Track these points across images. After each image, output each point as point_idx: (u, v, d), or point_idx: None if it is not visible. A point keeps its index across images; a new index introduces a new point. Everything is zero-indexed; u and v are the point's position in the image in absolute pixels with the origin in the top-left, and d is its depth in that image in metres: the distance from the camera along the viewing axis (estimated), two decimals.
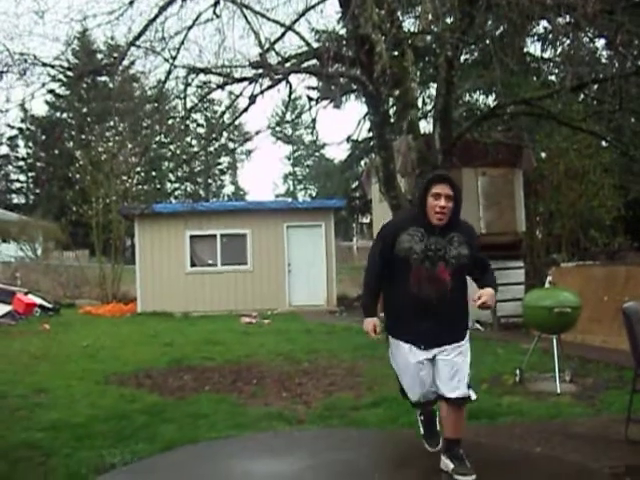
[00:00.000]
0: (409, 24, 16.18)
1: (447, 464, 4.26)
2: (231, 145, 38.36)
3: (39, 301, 17.94)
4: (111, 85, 15.75)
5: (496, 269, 13.88)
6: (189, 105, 12.30)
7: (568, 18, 10.03)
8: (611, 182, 16.25)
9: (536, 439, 5.19)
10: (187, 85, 11.41)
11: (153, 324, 15.34)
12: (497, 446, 5.09)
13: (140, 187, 30.41)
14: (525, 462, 4.71)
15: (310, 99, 12.44)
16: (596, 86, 12.77)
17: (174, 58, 11.11)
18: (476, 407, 5.92)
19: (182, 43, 11.11)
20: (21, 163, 52.68)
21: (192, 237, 19.00)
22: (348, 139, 24.16)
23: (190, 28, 11.11)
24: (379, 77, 10.96)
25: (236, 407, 6.75)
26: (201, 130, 44.37)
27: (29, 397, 7.40)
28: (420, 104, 19.09)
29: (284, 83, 11.28)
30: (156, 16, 10.92)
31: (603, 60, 14.12)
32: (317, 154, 58.57)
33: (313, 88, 13.03)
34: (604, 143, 15.69)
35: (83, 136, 27.26)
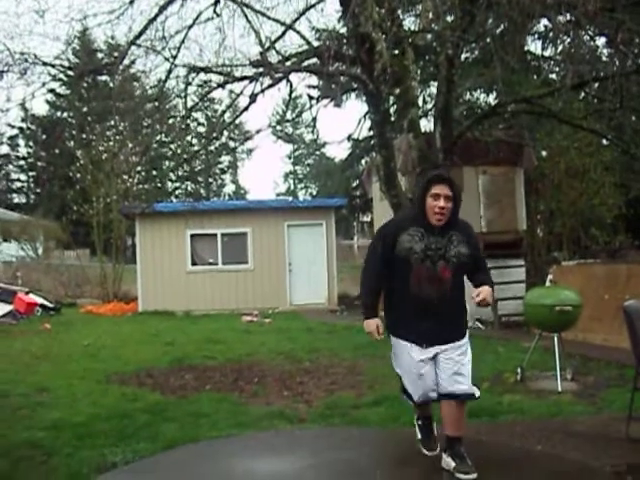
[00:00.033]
0: (409, 22, 16.20)
1: (448, 462, 4.26)
2: (232, 144, 38.30)
3: (40, 300, 17.95)
4: (112, 84, 15.73)
5: (497, 267, 13.95)
6: (190, 104, 12.32)
7: (569, 16, 10.03)
8: (612, 180, 16.25)
9: (537, 437, 5.19)
10: (188, 84, 11.42)
11: (154, 323, 15.35)
12: (498, 444, 5.09)
13: (141, 186, 30.46)
14: (526, 460, 4.71)
15: (311, 98, 12.45)
16: (597, 84, 12.76)
17: (174, 57, 11.12)
18: (477, 405, 5.92)
19: (182, 42, 11.13)
20: (22, 162, 52.71)
21: (193, 236, 19.01)
22: (349, 138, 24.15)
23: (190, 27, 11.12)
24: (379, 76, 10.97)
25: (237, 406, 6.75)
26: (202, 129, 44.42)
27: (31, 396, 7.41)
28: (421, 103, 19.12)
29: (284, 82, 11.29)
30: (156, 15, 10.93)
31: (604, 58, 14.08)
32: (318, 153, 58.56)
33: (314, 87, 13.03)
34: (605, 141, 15.71)
35: (84, 135, 27.30)
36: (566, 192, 15.85)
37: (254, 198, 50.11)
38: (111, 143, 22.23)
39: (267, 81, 10.87)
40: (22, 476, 4.78)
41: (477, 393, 4.31)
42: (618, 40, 9.63)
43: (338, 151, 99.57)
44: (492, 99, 20.25)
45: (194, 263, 19.09)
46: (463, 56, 15.84)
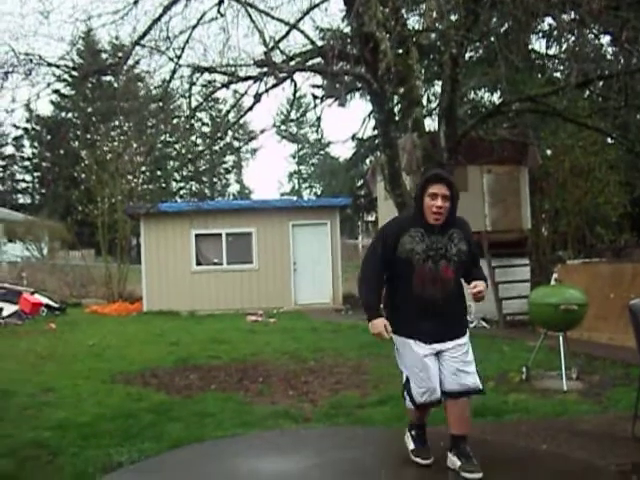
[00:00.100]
0: (413, 22, 16.16)
1: (454, 461, 4.26)
2: (236, 144, 38.52)
3: (45, 301, 17.98)
4: (116, 85, 15.73)
5: (502, 266, 13.97)
6: (194, 104, 12.35)
7: (573, 15, 10.04)
8: (617, 179, 16.21)
9: (542, 436, 5.18)
10: (192, 84, 11.44)
11: (159, 323, 15.37)
12: (503, 443, 5.08)
13: (145, 186, 30.52)
14: (531, 459, 4.70)
15: (315, 97, 12.45)
16: (601, 83, 12.71)
17: (179, 57, 11.13)
18: (482, 405, 5.93)
19: (187, 42, 11.14)
20: (27, 163, 52.89)
21: (197, 236, 19.02)
22: (353, 137, 24.00)
23: (195, 27, 11.13)
24: (384, 75, 10.96)
25: (242, 405, 6.76)
26: (206, 129, 44.52)
27: (37, 396, 7.43)
28: (425, 102, 19.08)
29: (289, 81, 11.30)
30: (161, 15, 10.94)
31: (608, 57, 14.05)
32: (322, 152, 58.49)
33: (318, 86, 13.03)
34: (610, 140, 15.67)
35: (88, 136, 27.34)
36: (571, 191, 15.81)
37: (259, 198, 50.18)
38: (116, 143, 22.29)
39: (271, 81, 10.88)
40: (28, 476, 4.80)
41: (481, 386, 4.34)
42: (623, 38, 9.59)
43: (342, 150, 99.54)
44: (496, 98, 20.20)
45: (199, 263, 19.11)
46: (467, 55, 15.80)
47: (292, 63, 11.51)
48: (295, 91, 11.84)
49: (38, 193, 52.45)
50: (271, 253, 18.97)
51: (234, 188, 61.39)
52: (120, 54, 12.48)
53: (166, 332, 13.47)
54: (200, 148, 22.55)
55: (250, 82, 11.09)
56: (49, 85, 11.46)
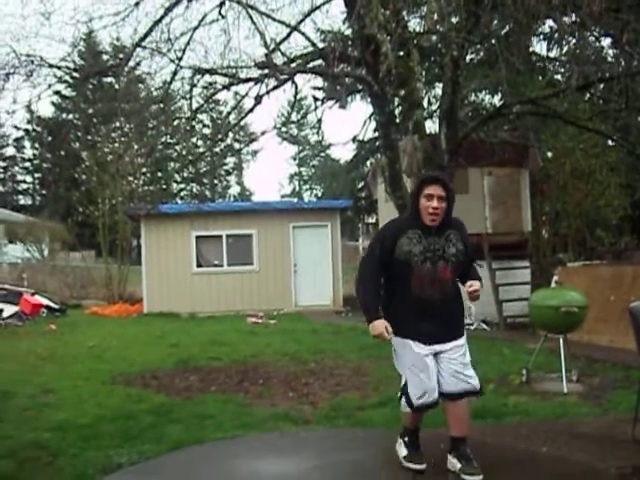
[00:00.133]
0: (414, 24, 16.17)
1: (454, 464, 4.26)
2: (237, 146, 38.40)
3: (46, 302, 17.99)
4: (117, 86, 15.77)
5: (502, 269, 13.94)
6: (195, 106, 12.35)
7: (574, 17, 10.04)
8: (617, 181, 16.21)
9: (542, 439, 5.18)
10: (193, 86, 11.46)
11: (159, 325, 15.37)
12: (503, 446, 5.08)
13: (146, 188, 30.57)
14: (531, 462, 4.70)
15: (316, 99, 12.47)
16: (602, 85, 12.73)
17: (180, 59, 11.15)
18: (482, 407, 5.93)
19: (188, 44, 11.15)
20: (27, 164, 52.94)
21: (198, 238, 19.02)
22: (354, 139, 24.12)
23: (196, 29, 11.14)
24: (385, 77, 10.97)
25: (242, 407, 6.76)
26: (207, 131, 44.54)
27: (37, 397, 7.43)
28: (426, 104, 19.09)
29: (290, 83, 11.32)
30: (162, 17, 10.95)
31: (609, 59, 14.06)
32: (323, 154, 58.52)
33: (319, 88, 13.04)
34: (610, 142, 15.66)
35: (89, 137, 27.40)
36: (571, 193, 15.81)
37: (259, 200, 50.26)
38: (116, 145, 22.29)
39: (272, 83, 10.90)
40: (28, 477, 4.79)
41: (479, 387, 4.35)
42: (623, 41, 9.61)
43: (343, 152, 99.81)
44: (497, 100, 20.23)
45: (199, 265, 19.10)
46: (468, 57, 15.81)
47: (293, 65, 11.53)
48: (296, 93, 11.86)
49: (39, 194, 52.50)
50: (272, 255, 18.98)
51: (235, 190, 61.51)
52: (121, 56, 12.50)
53: (166, 334, 13.47)
54: (201, 150, 22.62)
55: (251, 84, 11.12)
56: (50, 86, 11.50)
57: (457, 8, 10.48)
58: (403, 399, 4.39)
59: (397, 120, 13.28)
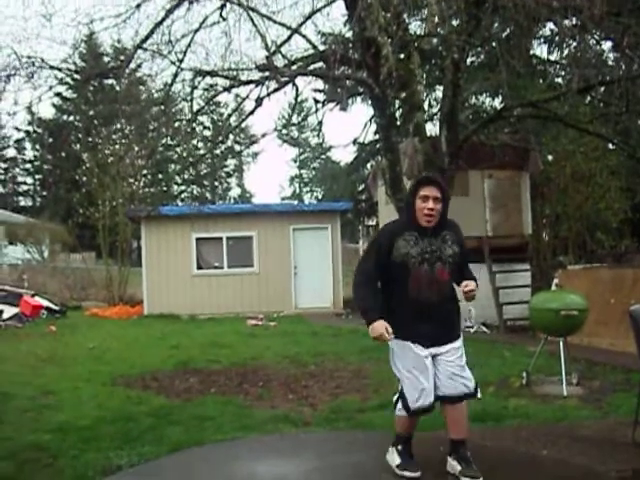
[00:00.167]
0: (415, 27, 16.15)
1: (454, 466, 4.26)
2: (237, 148, 38.45)
3: (46, 303, 17.99)
4: (118, 88, 15.80)
5: (503, 272, 13.91)
6: (195, 108, 12.34)
7: (575, 20, 10.03)
8: (618, 185, 16.21)
9: (542, 442, 5.18)
10: (194, 88, 11.45)
11: (159, 326, 15.37)
12: (503, 449, 5.08)
13: (147, 189, 30.57)
14: (531, 465, 4.70)
15: (316, 102, 12.46)
16: (603, 88, 12.74)
17: (181, 61, 11.14)
18: (482, 410, 5.93)
19: (189, 46, 11.15)
20: (28, 166, 53.00)
21: (198, 239, 19.02)
22: (354, 142, 24.06)
23: (197, 31, 11.14)
24: (385, 80, 10.96)
25: (242, 409, 6.76)
26: (207, 133, 44.60)
27: (37, 399, 7.43)
28: (426, 107, 19.08)
29: (290, 86, 11.31)
30: (163, 19, 10.95)
31: (610, 62, 14.07)
32: (323, 157, 58.58)
33: (319, 91, 13.04)
34: (611, 145, 15.66)
35: (90, 139, 27.36)
36: (572, 196, 15.81)
37: (260, 202, 50.20)
38: (117, 146, 22.32)
39: (273, 85, 10.90)
40: (28, 478, 4.80)
41: (479, 393, 4.37)
42: (624, 44, 9.62)
43: (344, 155, 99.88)
44: (498, 103, 20.22)
45: (199, 266, 19.11)
46: (469, 60, 15.83)
47: (294, 67, 11.53)
48: (297, 95, 11.85)
49: (39, 196, 52.55)
50: (272, 257, 18.97)
51: (235, 192, 61.56)
52: (122, 57, 12.49)
53: (166, 335, 13.47)
54: (201, 152, 22.62)
55: (252, 86, 11.10)
56: (51, 88, 11.48)
57: (458, 11, 10.48)
58: (399, 403, 4.37)
59: (398, 123, 13.27)
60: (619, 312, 9.01)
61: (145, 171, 27.28)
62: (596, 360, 8.82)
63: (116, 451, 5.20)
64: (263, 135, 13.16)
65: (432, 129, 16.58)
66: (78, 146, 39.25)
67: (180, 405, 7.04)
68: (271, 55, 10.81)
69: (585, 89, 11.34)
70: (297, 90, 11.58)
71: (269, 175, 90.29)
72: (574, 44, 11.85)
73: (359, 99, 21.09)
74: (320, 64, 11.73)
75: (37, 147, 51.47)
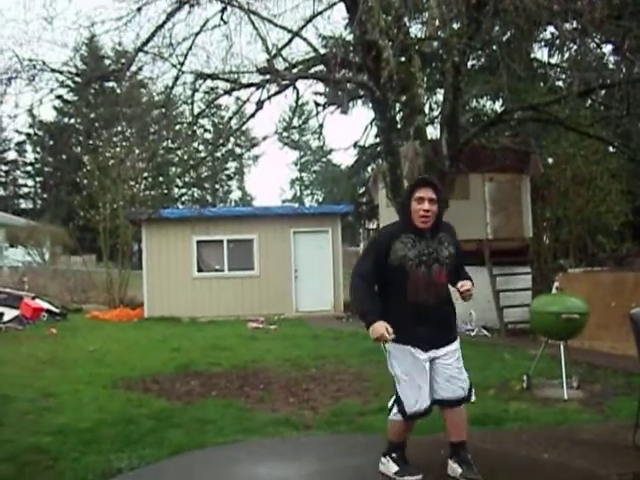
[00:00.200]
0: (416, 30, 16.19)
1: (455, 468, 4.26)
2: (238, 150, 38.55)
3: (46, 306, 17.97)
4: (119, 91, 15.79)
5: (503, 275, 13.89)
6: (196, 111, 12.35)
7: (575, 24, 10.04)
8: (619, 188, 16.21)
9: (543, 445, 5.17)
10: (194, 91, 11.47)
11: (160, 329, 15.36)
12: (504, 452, 5.07)
13: (147, 192, 30.55)
14: (532, 468, 4.70)
15: (317, 105, 12.47)
16: (603, 92, 12.75)
17: (182, 64, 11.17)
18: (483, 413, 5.93)
19: (190, 49, 11.18)
20: (29, 168, 53.04)
21: (199, 242, 19.02)
22: (355, 145, 24.05)
23: (198, 34, 11.17)
24: (386, 83, 10.99)
25: (243, 412, 6.75)
26: (208, 136, 44.52)
27: (37, 401, 7.42)
28: (427, 110, 19.15)
29: (291, 89, 11.32)
30: (164, 22, 10.97)
31: (610, 66, 14.07)
32: (324, 160, 58.57)
33: (320, 94, 13.08)
34: (611, 149, 15.67)
35: (91, 141, 27.37)
36: (572, 199, 15.81)
37: (260, 205, 50.18)
38: (118, 149, 22.30)
39: (274, 88, 10.91)
40: None
41: (473, 397, 4.38)
42: (625, 47, 9.63)
43: (344, 158, 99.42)
44: (498, 106, 20.25)
45: (200, 269, 19.11)
46: (469, 63, 15.84)
47: (295, 70, 11.55)
48: (297, 98, 11.86)
49: (40, 198, 52.57)
50: (272, 260, 18.97)
51: (236, 195, 61.59)
52: (123, 60, 12.52)
53: (167, 338, 13.46)
54: (202, 155, 22.64)
55: (252, 89, 11.12)
56: (52, 91, 11.51)
57: (459, 14, 10.50)
58: (395, 407, 4.37)
59: (398, 126, 13.28)
60: (620, 315, 9.00)
61: (146, 174, 27.25)
62: (597, 363, 8.82)
63: (117, 454, 5.19)
64: (264, 138, 13.17)
65: (433, 132, 16.62)
66: (79, 149, 39.28)
67: (181, 408, 7.04)
68: (272, 58, 10.83)
69: (586, 92, 11.35)
70: (298, 93, 11.61)
71: (270, 178, 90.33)
72: (575, 47, 11.85)
73: (360, 102, 21.08)
74: (321, 67, 11.75)
75: (38, 150, 51.51)
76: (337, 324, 16.03)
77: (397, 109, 14.24)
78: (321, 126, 13.34)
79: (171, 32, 11.01)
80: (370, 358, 9.69)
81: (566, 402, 6.79)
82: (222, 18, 11.17)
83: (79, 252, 26.29)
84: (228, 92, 11.64)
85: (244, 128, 23.67)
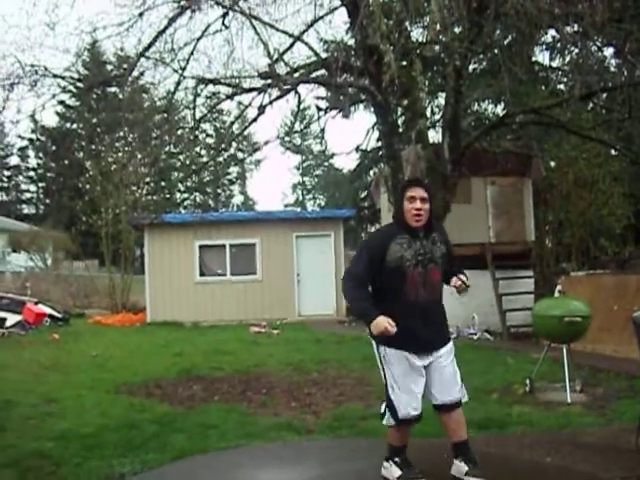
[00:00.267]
0: (417, 34, 16.20)
1: (461, 467, 4.24)
2: (240, 155, 38.44)
3: (49, 311, 18.00)
4: (121, 96, 15.84)
5: (505, 278, 13.87)
6: (198, 115, 12.40)
7: (576, 27, 10.05)
8: (621, 191, 16.21)
9: (546, 449, 5.16)
10: (196, 96, 11.50)
11: (163, 334, 15.36)
12: (507, 456, 5.06)
13: (149, 197, 30.53)
14: (535, 472, 4.69)
15: (319, 109, 12.50)
16: (605, 95, 12.77)
17: (183, 69, 11.20)
18: (486, 417, 5.92)
19: (191, 54, 11.21)
20: (31, 173, 53.13)
21: (201, 247, 19.04)
22: (357, 149, 24.18)
23: (199, 39, 11.20)
24: (388, 87, 11.00)
25: (245, 417, 6.75)
26: (210, 140, 44.58)
27: (40, 406, 7.42)
28: (429, 113, 19.12)
29: (293, 93, 11.36)
30: (165, 27, 11.00)
31: (612, 69, 14.10)
32: (326, 164, 58.60)
33: (322, 98, 13.11)
34: (613, 152, 15.68)
35: (93, 146, 27.41)
36: (575, 203, 15.81)
37: (262, 209, 50.28)
38: (120, 154, 22.33)
39: (275, 92, 10.95)
40: None
41: (465, 398, 4.40)
42: (626, 50, 9.64)
43: (346, 162, 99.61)
44: (500, 110, 20.26)
45: (202, 274, 19.12)
46: (471, 67, 15.86)
47: (296, 75, 11.57)
48: (299, 103, 11.91)
49: (42, 203, 52.64)
50: (275, 264, 18.97)
51: (238, 199, 61.60)
52: (125, 66, 12.55)
53: (169, 343, 13.46)
54: (204, 159, 22.62)
55: (254, 94, 11.15)
56: (54, 96, 11.55)
57: (460, 18, 10.51)
58: (387, 413, 4.37)
59: (400, 130, 13.31)
60: (622, 319, 8.99)
61: (148, 179, 27.29)
62: (600, 367, 8.80)
63: (119, 459, 5.18)
64: (266, 142, 13.24)
65: (434, 136, 16.60)
66: (81, 154, 39.26)
67: (183, 413, 7.03)
68: (273, 63, 10.86)
69: (587, 95, 11.36)
70: (299, 98, 11.65)
71: (272, 182, 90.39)
72: (576, 51, 11.89)
73: (361, 106, 21.14)
74: (322, 72, 11.78)
75: (40, 155, 51.61)
76: (339, 328, 16.01)
77: (399, 113, 14.26)
78: (323, 130, 13.39)
79: (173, 37, 11.05)
80: (372, 362, 9.58)
81: (569, 405, 6.77)
82: (224, 23, 11.20)
83: (81, 257, 26.30)
84: (230, 97, 11.67)
85: (246, 133, 23.71)
